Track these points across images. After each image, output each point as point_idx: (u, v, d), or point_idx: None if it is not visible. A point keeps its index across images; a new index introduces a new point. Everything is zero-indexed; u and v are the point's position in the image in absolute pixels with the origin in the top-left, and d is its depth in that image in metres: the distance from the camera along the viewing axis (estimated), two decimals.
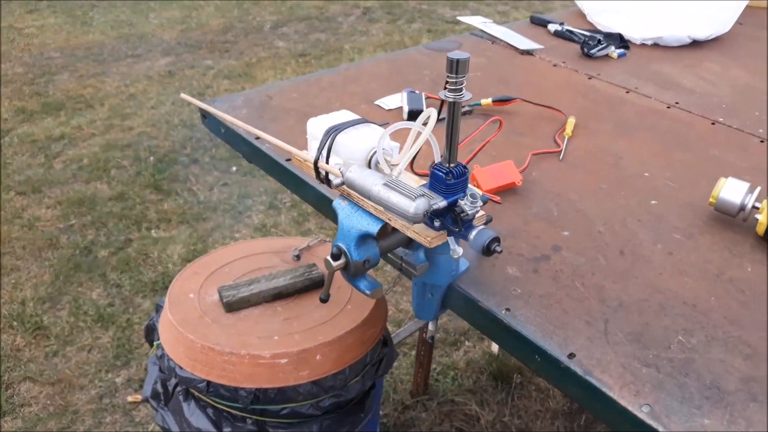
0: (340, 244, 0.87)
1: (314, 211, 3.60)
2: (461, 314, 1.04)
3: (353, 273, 0.88)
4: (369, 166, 0.90)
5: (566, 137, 1.46)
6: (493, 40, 2.00)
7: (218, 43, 5.94)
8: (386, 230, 0.86)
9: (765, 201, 1.15)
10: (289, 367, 1.45)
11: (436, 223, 0.77)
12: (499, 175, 1.25)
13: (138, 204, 3.59)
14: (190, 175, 3.87)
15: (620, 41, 1.96)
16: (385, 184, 0.80)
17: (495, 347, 2.73)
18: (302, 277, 1.67)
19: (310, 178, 1.24)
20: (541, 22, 2.15)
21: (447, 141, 0.82)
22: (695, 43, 2.02)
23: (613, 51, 1.90)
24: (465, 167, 0.82)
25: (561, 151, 1.41)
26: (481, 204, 0.80)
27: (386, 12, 6.84)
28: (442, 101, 0.80)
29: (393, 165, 0.87)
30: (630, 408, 0.84)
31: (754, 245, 1.16)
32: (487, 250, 0.79)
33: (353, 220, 0.87)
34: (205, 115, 1.49)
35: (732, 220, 1.21)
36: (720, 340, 0.95)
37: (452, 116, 0.82)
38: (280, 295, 1.64)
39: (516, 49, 1.94)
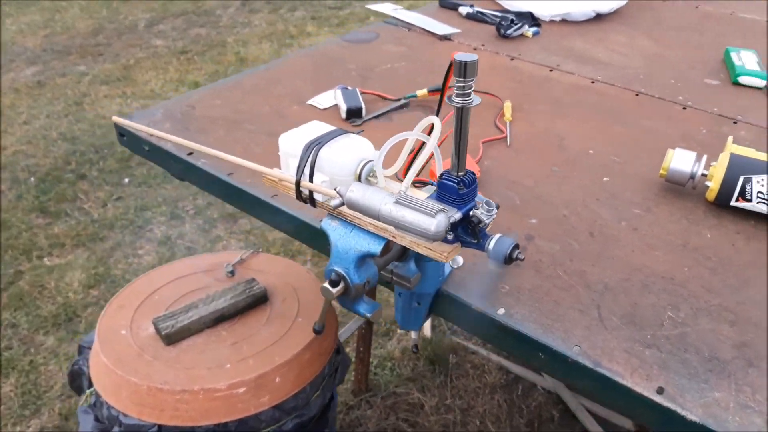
0: (337, 269, 0.79)
1: (221, 215, 3.43)
2: (452, 319, 0.99)
3: (354, 297, 0.80)
4: (359, 180, 0.82)
5: (507, 122, 1.44)
6: (409, 27, 1.95)
7: (89, 47, 5.50)
8: (387, 248, 0.78)
9: (712, 168, 1.19)
10: (247, 396, 1.35)
11: (449, 236, 0.71)
12: None
13: (24, 231, 3.25)
14: (79, 193, 3.56)
15: (532, 19, 1.97)
16: (396, 202, 0.72)
17: (427, 330, 2.71)
18: (243, 295, 1.56)
19: (263, 193, 1.14)
20: (450, 6, 2.12)
21: (455, 148, 0.76)
22: (599, 17, 2.07)
23: (528, 30, 1.91)
24: (473, 174, 0.76)
25: (506, 136, 1.39)
26: (496, 211, 0.75)
27: (266, 1, 6.63)
28: (440, 102, 0.74)
29: (387, 178, 0.80)
30: (647, 394, 0.82)
31: (706, 212, 1.19)
32: (509, 259, 0.74)
33: (350, 241, 0.79)
34: (122, 133, 1.33)
35: (681, 189, 1.24)
36: (704, 311, 0.96)
37: (461, 122, 0.76)
38: (222, 318, 1.51)
39: (434, 35, 1.90)
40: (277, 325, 1.50)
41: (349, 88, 1.50)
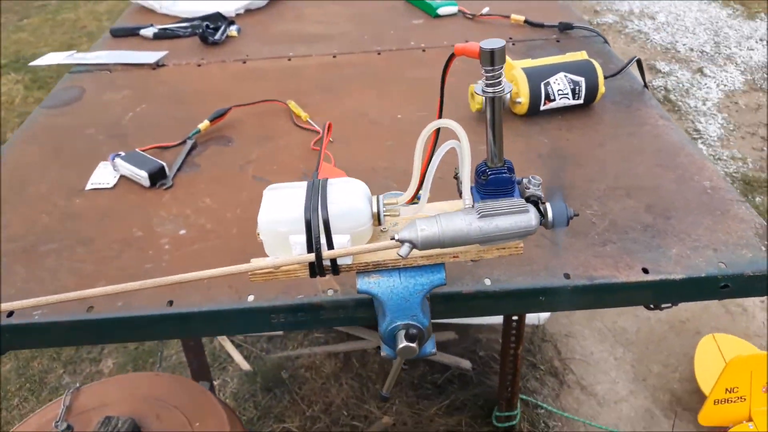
0: (405, 321, 0.69)
1: None
2: (447, 314, 0.96)
3: (425, 341, 0.72)
4: (379, 223, 0.72)
5: (308, 119, 1.39)
6: (108, 68, 1.68)
7: None
8: None
9: (522, 89, 1.34)
10: None
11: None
12: (329, 177, 1.14)
13: None
14: None
15: (224, 19, 1.88)
16: (482, 216, 0.66)
17: (244, 364, 2.54)
18: None
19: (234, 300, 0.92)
20: (125, 33, 1.88)
21: (493, 139, 0.71)
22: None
23: (232, 29, 1.82)
24: (508, 160, 0.74)
25: (322, 135, 1.34)
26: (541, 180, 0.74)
27: None
28: (440, 104, 0.68)
29: (402, 206, 0.71)
30: (639, 279, 0.94)
31: (527, 123, 1.35)
32: (569, 220, 0.74)
33: (406, 286, 0.69)
34: None
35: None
36: (604, 197, 1.12)
37: (494, 111, 0.71)
38: None
39: (143, 65, 1.68)
40: None
41: (123, 153, 1.26)
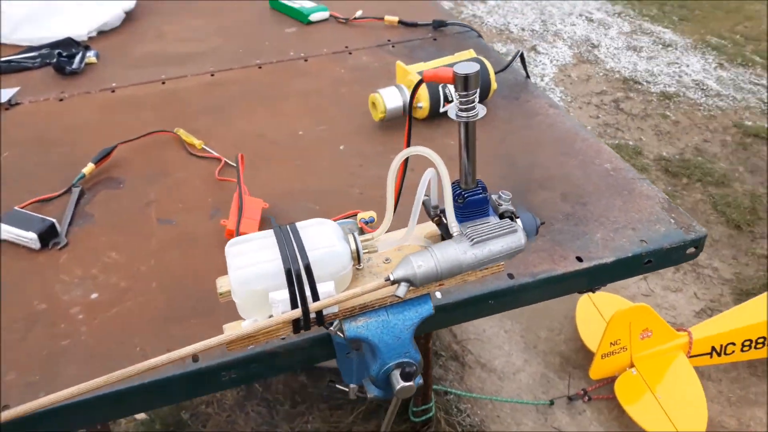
0: (398, 360, 0.66)
1: None
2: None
3: (418, 374, 0.69)
4: (359, 263, 0.68)
5: (203, 146, 1.30)
6: None
7: None
8: None
9: (421, 94, 1.34)
10: None
11: None
12: (252, 211, 1.07)
13: None
14: None
15: (78, 45, 1.71)
16: (474, 243, 0.63)
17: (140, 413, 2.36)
18: None
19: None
20: None
21: (468, 161, 0.69)
22: (129, 16, 1.91)
23: (90, 56, 1.66)
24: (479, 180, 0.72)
25: (224, 160, 1.26)
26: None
27: None
28: (408, 133, 0.65)
29: (375, 241, 0.68)
30: (576, 267, 0.99)
31: (430, 126, 1.36)
32: (538, 228, 0.75)
33: (395, 324, 0.66)
34: None
35: (400, 119, 1.36)
36: (520, 193, 1.16)
37: (468, 134, 0.69)
38: None
39: None
40: None
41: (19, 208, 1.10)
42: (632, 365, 2.23)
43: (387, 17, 1.80)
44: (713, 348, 2.19)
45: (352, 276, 0.68)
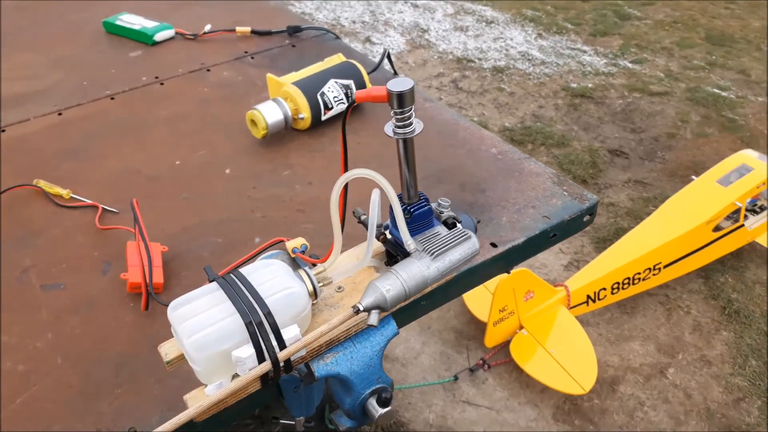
0: (372, 388, 0.64)
1: None
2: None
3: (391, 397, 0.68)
4: (315, 295, 0.64)
5: (72, 195, 1.18)
6: None
7: None
8: None
9: (301, 105, 1.30)
10: None
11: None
12: (154, 258, 0.99)
13: None
14: None
15: None
16: (435, 257, 0.62)
17: None
18: None
19: None
20: None
21: (409, 176, 0.67)
22: None
23: None
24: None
25: (100, 206, 1.15)
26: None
27: None
28: (344, 152, 0.62)
29: (327, 272, 0.64)
30: (494, 253, 1.03)
31: (314, 137, 1.33)
32: (476, 226, 0.75)
33: (364, 352, 0.63)
34: None
35: (282, 132, 1.32)
36: (421, 189, 1.18)
37: (407, 150, 0.66)
38: None
39: None
40: None
41: None
42: (522, 327, 2.37)
43: (238, 28, 1.73)
44: (588, 296, 2.38)
45: (313, 312, 0.65)
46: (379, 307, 0.61)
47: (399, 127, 0.66)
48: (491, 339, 2.37)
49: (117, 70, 1.60)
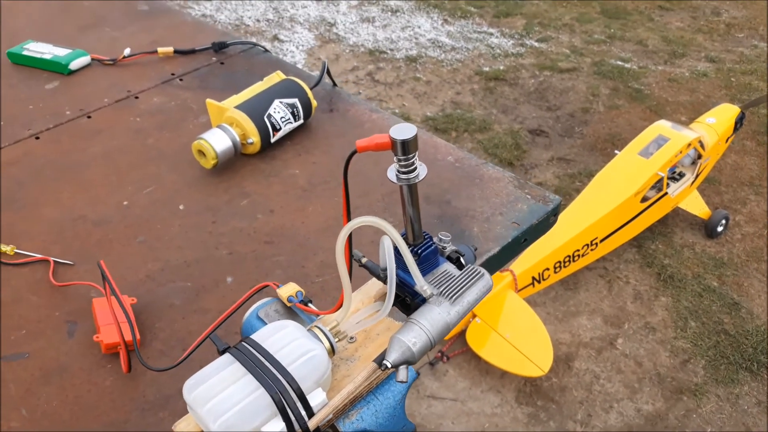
0: None
1: None
2: None
3: None
4: (332, 350, 0.61)
5: (16, 250, 1.09)
6: None
7: None
8: None
9: (249, 129, 1.25)
10: None
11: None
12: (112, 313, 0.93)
13: None
14: None
15: None
16: (453, 301, 0.61)
17: None
18: None
19: None
20: None
21: (415, 218, 0.65)
22: None
23: None
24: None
25: (50, 260, 1.07)
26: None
27: None
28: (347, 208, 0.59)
29: (340, 325, 0.62)
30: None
31: (266, 160, 1.29)
32: (475, 254, 0.74)
33: (388, 403, 0.62)
34: None
35: (233, 159, 1.27)
36: (386, 207, 1.17)
37: (411, 194, 0.64)
38: None
39: None
40: None
41: None
42: (474, 315, 2.41)
43: (160, 49, 1.64)
44: (533, 278, 2.46)
45: (334, 370, 0.63)
46: (407, 362, 0.60)
47: (403, 173, 0.64)
48: None
49: (35, 106, 1.49)
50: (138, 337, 0.92)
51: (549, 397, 2.26)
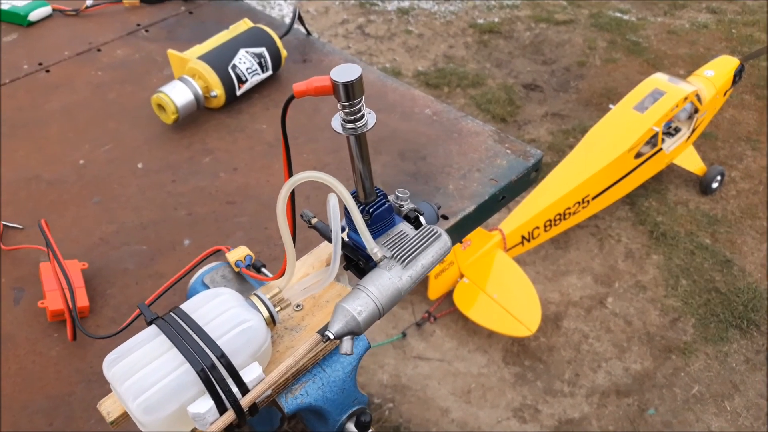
0: (351, 410, 0.58)
1: None
2: None
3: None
4: (273, 321, 0.56)
5: None
6: None
7: None
8: None
9: (199, 82, 1.18)
10: None
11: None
12: (75, 279, 0.87)
13: None
14: None
15: None
16: (406, 265, 0.55)
17: None
18: None
19: None
20: None
21: (365, 174, 0.59)
22: None
23: None
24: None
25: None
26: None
27: None
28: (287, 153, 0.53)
29: (283, 292, 0.56)
30: (447, 226, 0.98)
31: (232, 114, 1.22)
32: (438, 213, 0.68)
33: (336, 376, 0.56)
34: None
35: (196, 113, 1.20)
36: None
37: (360, 146, 0.58)
38: None
39: None
40: None
41: None
42: (462, 275, 2.37)
43: None
44: (523, 237, 2.40)
45: (274, 342, 0.57)
46: (352, 333, 0.54)
47: (349, 121, 0.57)
48: (434, 291, 2.36)
49: None
50: (87, 303, 0.87)
51: (536, 357, 2.23)
